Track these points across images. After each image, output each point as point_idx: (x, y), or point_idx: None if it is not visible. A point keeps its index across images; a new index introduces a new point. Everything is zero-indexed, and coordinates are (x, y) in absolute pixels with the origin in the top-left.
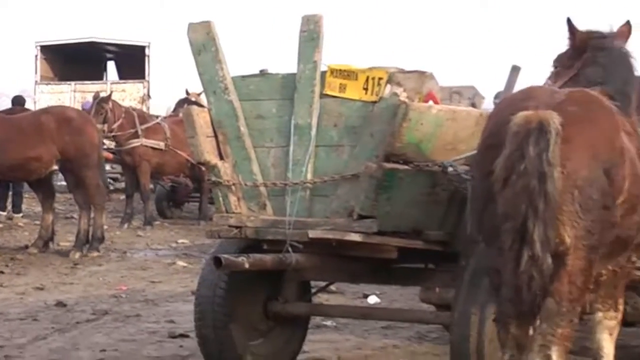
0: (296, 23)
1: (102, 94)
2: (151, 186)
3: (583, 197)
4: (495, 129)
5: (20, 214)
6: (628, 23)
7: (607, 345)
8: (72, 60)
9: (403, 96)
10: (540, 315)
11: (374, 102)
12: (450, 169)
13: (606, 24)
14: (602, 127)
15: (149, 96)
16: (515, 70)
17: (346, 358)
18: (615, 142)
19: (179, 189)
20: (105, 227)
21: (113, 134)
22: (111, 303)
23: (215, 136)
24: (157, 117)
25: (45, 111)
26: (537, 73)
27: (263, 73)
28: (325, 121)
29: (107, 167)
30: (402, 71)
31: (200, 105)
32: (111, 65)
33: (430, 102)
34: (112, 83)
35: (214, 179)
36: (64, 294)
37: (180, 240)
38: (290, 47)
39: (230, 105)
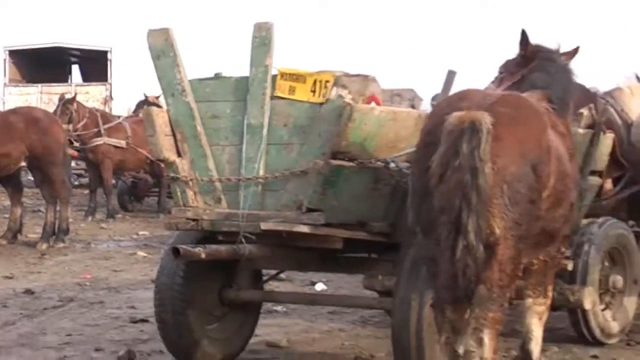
0: (249, 30)
1: (67, 96)
2: (113, 181)
3: (511, 191)
4: (432, 129)
5: None
6: (577, 48)
7: (536, 329)
8: (38, 63)
9: (348, 98)
10: (474, 300)
11: (321, 104)
12: (392, 165)
13: (556, 42)
14: (530, 127)
15: (111, 98)
16: (451, 74)
17: (295, 341)
18: (542, 141)
19: (139, 184)
20: (71, 219)
21: (78, 133)
22: (76, 290)
23: (174, 135)
24: (118, 117)
25: (14, 112)
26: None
27: (218, 76)
28: (276, 121)
29: (72, 163)
30: (347, 75)
31: (159, 107)
32: (75, 69)
33: (373, 104)
34: (76, 85)
35: (172, 174)
36: (32, 283)
37: (140, 232)
38: (243, 52)
39: (187, 106)
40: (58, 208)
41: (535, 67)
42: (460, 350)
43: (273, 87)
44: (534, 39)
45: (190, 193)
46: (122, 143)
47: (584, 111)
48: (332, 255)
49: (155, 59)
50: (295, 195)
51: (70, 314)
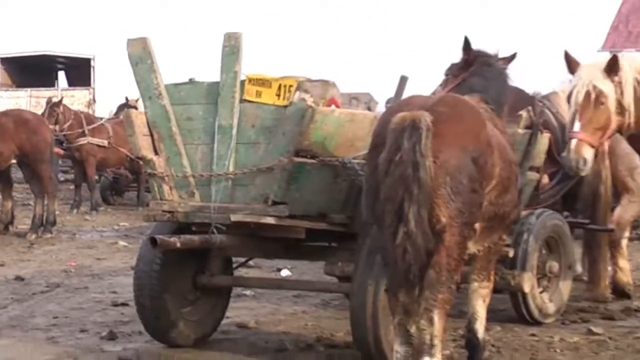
0: (219, 39)
1: (54, 99)
2: (96, 177)
3: (454, 182)
4: (380, 131)
5: None
6: (515, 54)
7: (481, 310)
8: (28, 70)
9: (310, 101)
10: (424, 283)
11: (286, 106)
12: (348, 163)
13: (495, 47)
14: (468, 123)
15: (94, 101)
16: (403, 79)
17: (263, 322)
18: (481, 135)
19: (120, 180)
20: (57, 212)
21: (64, 133)
22: (62, 277)
23: (151, 135)
24: (101, 119)
25: (5, 114)
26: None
27: (191, 81)
28: (244, 122)
29: (59, 161)
30: (309, 80)
31: (138, 109)
32: (62, 75)
33: (333, 106)
34: (62, 90)
35: (150, 171)
36: (22, 270)
37: (121, 223)
38: (214, 59)
39: (163, 108)
40: (46, 202)
41: (474, 71)
42: (412, 330)
43: (242, 92)
44: (475, 45)
45: (166, 188)
46: (105, 142)
47: (523, 113)
48: (296, 244)
49: (134, 65)
50: (262, 190)
51: (57, 298)
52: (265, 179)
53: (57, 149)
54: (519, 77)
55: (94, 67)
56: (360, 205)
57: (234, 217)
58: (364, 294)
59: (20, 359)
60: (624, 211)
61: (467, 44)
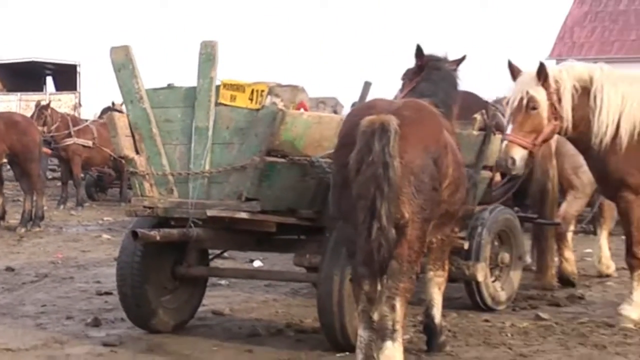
0: (197, 46)
1: (43, 103)
2: (82, 175)
3: (417, 181)
4: (348, 132)
5: None
6: (464, 56)
7: (437, 297)
8: (18, 75)
9: (280, 105)
10: (387, 273)
11: (258, 110)
12: (316, 162)
13: (445, 51)
14: (429, 127)
15: (80, 104)
16: (367, 85)
17: (237, 309)
18: (440, 138)
19: (104, 178)
20: (45, 207)
21: (51, 134)
22: (50, 268)
23: (133, 136)
24: (86, 121)
25: None
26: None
27: (170, 86)
28: (220, 124)
29: (47, 160)
30: (280, 85)
31: (121, 112)
32: (49, 80)
33: (302, 110)
34: (50, 94)
35: (131, 169)
36: (12, 261)
37: (105, 218)
38: (191, 66)
39: (144, 111)
40: (34, 198)
41: (424, 76)
42: (375, 317)
43: (217, 96)
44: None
45: (147, 185)
46: (89, 143)
47: (477, 116)
48: (268, 237)
49: (117, 71)
50: (236, 187)
51: (45, 287)
52: (239, 176)
53: (45, 149)
54: (472, 81)
55: (79, 73)
56: (327, 201)
57: (209, 212)
58: (330, 283)
59: (11, 343)
60: (569, 206)
61: (419, 51)
